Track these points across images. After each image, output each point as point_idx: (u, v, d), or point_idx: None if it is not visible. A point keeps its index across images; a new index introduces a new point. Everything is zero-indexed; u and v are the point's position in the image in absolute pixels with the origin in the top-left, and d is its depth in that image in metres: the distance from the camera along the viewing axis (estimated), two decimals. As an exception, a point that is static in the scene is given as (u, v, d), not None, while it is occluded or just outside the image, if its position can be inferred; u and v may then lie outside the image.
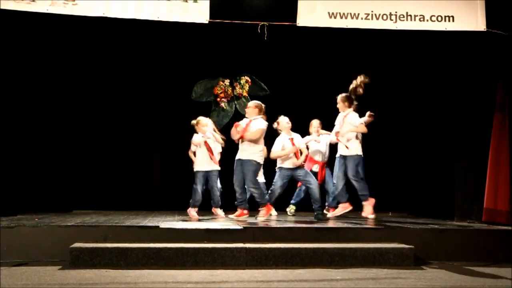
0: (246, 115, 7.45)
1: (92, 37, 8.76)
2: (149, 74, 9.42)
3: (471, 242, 6.21)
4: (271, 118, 9.48)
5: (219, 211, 7.89)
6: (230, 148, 7.68)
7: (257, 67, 9.60)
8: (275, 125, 7.77)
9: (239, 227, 6.15)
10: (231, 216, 7.43)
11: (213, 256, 5.46)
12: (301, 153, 7.56)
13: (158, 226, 6.10)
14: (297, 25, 7.00)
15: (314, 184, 7.40)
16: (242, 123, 7.33)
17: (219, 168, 7.74)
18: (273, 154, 7.56)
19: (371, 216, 7.29)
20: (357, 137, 7.33)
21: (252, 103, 7.49)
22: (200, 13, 6.83)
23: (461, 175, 7.71)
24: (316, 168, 8.22)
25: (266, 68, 9.56)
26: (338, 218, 7.64)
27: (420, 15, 7.04)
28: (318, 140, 8.24)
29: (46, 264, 5.42)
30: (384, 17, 7.02)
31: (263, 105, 7.47)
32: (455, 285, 4.75)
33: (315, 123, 8.33)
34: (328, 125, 9.31)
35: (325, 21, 7.00)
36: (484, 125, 7.29)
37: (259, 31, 7.07)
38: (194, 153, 7.78)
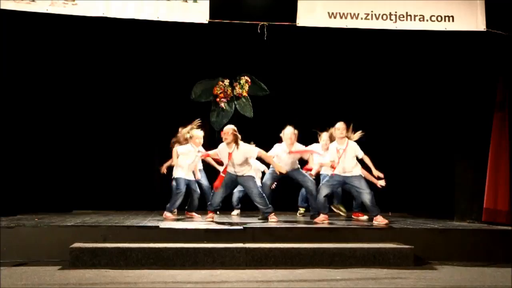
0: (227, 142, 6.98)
1: (92, 37, 8.75)
2: (149, 74, 9.41)
3: (471, 242, 6.22)
4: (271, 118, 9.53)
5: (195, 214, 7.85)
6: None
7: (257, 67, 9.59)
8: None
9: (239, 227, 6.15)
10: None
11: (213, 256, 5.46)
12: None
13: (158, 226, 6.11)
14: (297, 25, 6.99)
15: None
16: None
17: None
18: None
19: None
20: None
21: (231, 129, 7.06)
22: (200, 13, 6.82)
23: (461, 175, 7.70)
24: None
25: (266, 68, 9.55)
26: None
27: (420, 15, 7.03)
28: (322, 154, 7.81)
29: (46, 264, 5.42)
30: (384, 17, 7.02)
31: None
32: (455, 285, 4.75)
33: (324, 136, 7.87)
34: (326, 125, 9.35)
35: (325, 21, 7.00)
36: (484, 124, 7.29)
37: (259, 31, 7.07)
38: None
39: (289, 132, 7.47)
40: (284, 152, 7.49)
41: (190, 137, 7.65)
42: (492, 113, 7.21)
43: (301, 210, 8.48)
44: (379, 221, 6.84)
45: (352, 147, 7.12)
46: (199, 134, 7.70)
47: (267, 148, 8.93)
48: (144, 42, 9.00)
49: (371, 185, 7.16)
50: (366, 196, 6.91)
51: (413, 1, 7.07)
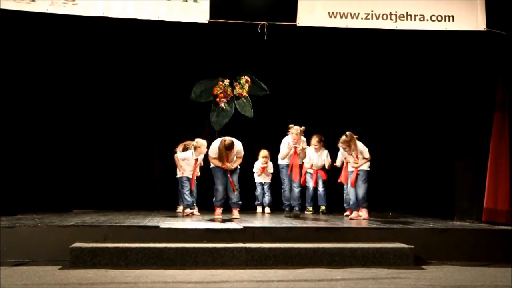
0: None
1: (92, 37, 8.75)
2: (149, 74, 9.41)
3: (471, 242, 6.22)
4: (270, 117, 9.54)
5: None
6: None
7: (257, 67, 9.59)
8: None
9: (239, 227, 6.15)
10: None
11: (213, 256, 5.46)
12: None
13: (158, 226, 6.11)
14: (297, 25, 6.98)
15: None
16: None
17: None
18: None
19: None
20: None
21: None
22: (200, 13, 6.82)
23: (461, 175, 7.70)
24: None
25: (266, 68, 9.55)
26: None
27: (420, 15, 7.03)
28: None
29: (46, 264, 5.42)
30: (384, 17, 7.01)
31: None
32: (455, 285, 4.75)
33: (314, 141, 8.80)
34: (326, 125, 9.37)
35: (325, 21, 6.99)
36: (484, 124, 7.28)
37: (259, 31, 7.06)
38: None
39: (296, 128, 7.74)
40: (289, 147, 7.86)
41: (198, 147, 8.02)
42: (492, 113, 7.20)
43: (310, 208, 8.99)
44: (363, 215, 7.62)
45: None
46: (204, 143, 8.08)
47: (266, 148, 8.99)
48: (144, 42, 9.00)
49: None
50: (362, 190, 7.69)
51: (413, 1, 7.06)
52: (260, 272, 5.20)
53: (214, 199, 7.57)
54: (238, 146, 7.43)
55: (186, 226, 6.29)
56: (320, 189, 9.01)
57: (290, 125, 7.81)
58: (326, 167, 8.85)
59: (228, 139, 7.36)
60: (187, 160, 8.09)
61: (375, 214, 8.42)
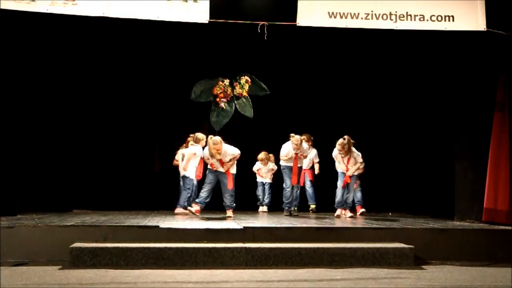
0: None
1: (92, 37, 8.75)
2: (149, 75, 9.42)
3: (471, 242, 6.22)
4: (270, 117, 9.54)
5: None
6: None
7: (257, 67, 9.60)
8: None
9: (239, 227, 6.15)
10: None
11: (213, 256, 5.46)
12: None
13: (158, 226, 6.10)
14: (297, 25, 6.99)
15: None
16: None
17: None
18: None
19: None
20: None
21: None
22: (200, 13, 6.82)
23: (461, 175, 7.70)
24: None
25: (266, 68, 9.55)
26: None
27: (420, 15, 7.03)
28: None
29: (46, 264, 5.42)
30: (384, 17, 7.01)
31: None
32: (455, 285, 4.75)
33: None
34: (326, 125, 9.37)
35: (325, 21, 6.99)
36: (484, 124, 7.29)
37: (259, 31, 7.06)
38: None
39: (296, 138, 7.96)
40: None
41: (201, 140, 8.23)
42: (492, 112, 7.20)
43: (312, 206, 9.21)
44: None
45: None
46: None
47: (265, 148, 9.00)
48: (144, 42, 9.00)
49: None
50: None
51: (413, 1, 7.06)
52: (260, 272, 5.20)
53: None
54: (229, 150, 7.50)
55: (186, 226, 6.28)
56: (308, 188, 9.07)
57: (291, 134, 8.02)
58: (316, 171, 8.87)
59: (215, 137, 7.51)
60: (197, 155, 8.15)
61: (375, 214, 8.43)
